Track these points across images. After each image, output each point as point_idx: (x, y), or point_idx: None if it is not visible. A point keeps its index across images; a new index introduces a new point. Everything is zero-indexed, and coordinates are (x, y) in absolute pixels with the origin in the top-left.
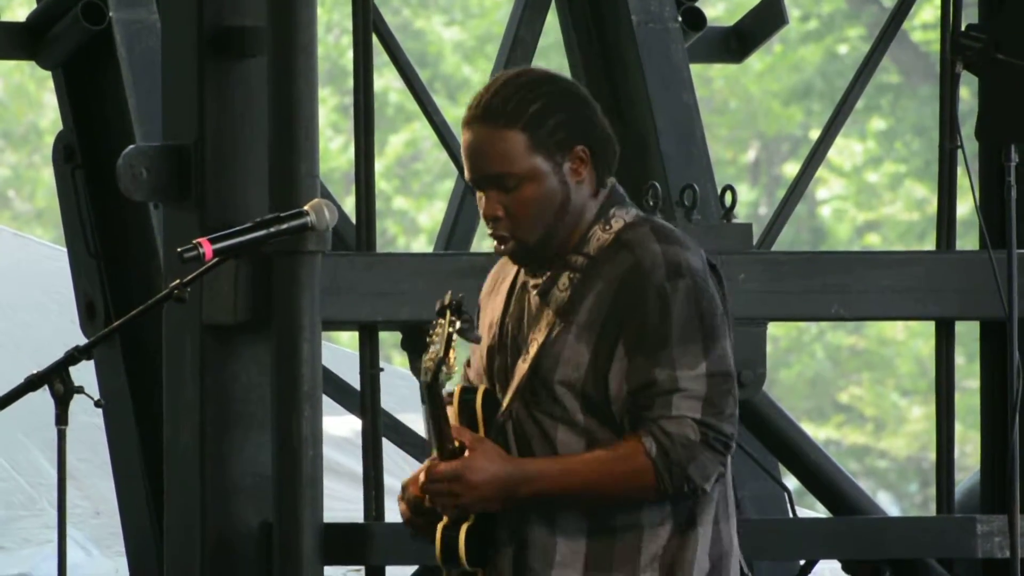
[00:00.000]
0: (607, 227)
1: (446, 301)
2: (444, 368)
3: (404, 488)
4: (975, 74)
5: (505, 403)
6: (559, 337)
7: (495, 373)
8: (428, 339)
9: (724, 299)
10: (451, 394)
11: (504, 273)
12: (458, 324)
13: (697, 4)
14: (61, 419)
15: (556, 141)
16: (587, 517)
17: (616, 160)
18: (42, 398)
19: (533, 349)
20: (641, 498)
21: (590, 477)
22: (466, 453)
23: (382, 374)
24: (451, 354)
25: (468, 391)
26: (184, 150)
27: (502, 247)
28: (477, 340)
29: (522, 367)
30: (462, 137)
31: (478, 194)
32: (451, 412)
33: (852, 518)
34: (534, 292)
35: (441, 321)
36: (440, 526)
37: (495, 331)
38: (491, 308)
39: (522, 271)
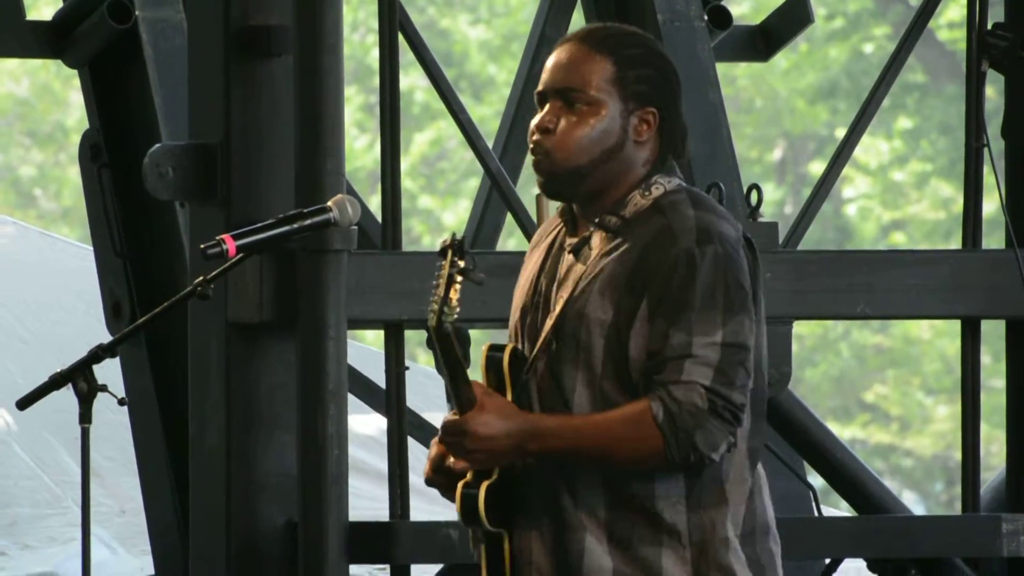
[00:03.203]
0: (646, 193)
1: (448, 241)
2: (446, 309)
3: (431, 447)
4: (1001, 73)
5: (529, 360)
6: (583, 293)
7: (526, 330)
8: (433, 284)
9: (756, 274)
10: (457, 333)
11: (545, 234)
12: (460, 264)
13: (723, 3)
14: (85, 417)
15: (635, 91)
16: (604, 489)
17: (683, 151)
18: (67, 396)
19: (559, 306)
20: (650, 464)
21: (599, 438)
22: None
23: (407, 372)
24: (452, 294)
25: (496, 348)
26: (210, 149)
27: (538, 161)
28: (479, 281)
29: (548, 323)
30: (552, 55)
31: (538, 110)
32: (479, 371)
33: (877, 517)
34: (568, 251)
35: (443, 262)
36: (460, 484)
37: (529, 289)
38: (529, 267)
39: (562, 232)
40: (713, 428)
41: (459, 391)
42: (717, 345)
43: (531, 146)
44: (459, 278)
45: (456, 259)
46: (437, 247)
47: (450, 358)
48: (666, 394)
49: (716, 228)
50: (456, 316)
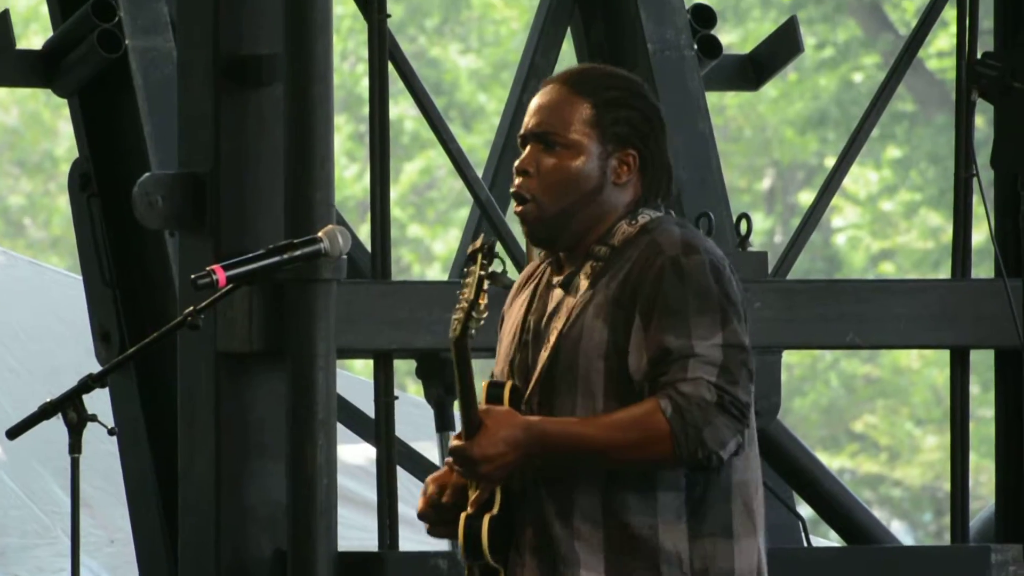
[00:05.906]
0: (633, 222)
1: (477, 245)
2: (475, 313)
3: (427, 484)
4: (990, 102)
5: (527, 394)
6: (577, 319)
7: (515, 370)
8: (459, 291)
9: (743, 297)
10: (474, 349)
11: (526, 279)
12: (489, 268)
13: (712, 32)
14: (75, 447)
15: (615, 133)
16: (603, 514)
17: (668, 192)
18: (56, 426)
19: (553, 337)
20: (658, 462)
21: (607, 438)
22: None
23: (397, 402)
24: (482, 299)
25: (496, 385)
26: (199, 178)
27: (520, 207)
28: (509, 285)
29: (543, 356)
30: (535, 97)
31: (521, 152)
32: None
33: (866, 547)
34: (557, 287)
35: (472, 267)
36: (463, 516)
37: (517, 330)
38: (514, 311)
39: (547, 273)
40: (721, 424)
41: (467, 411)
42: (719, 346)
43: (512, 191)
44: (488, 282)
45: (486, 262)
46: (468, 250)
47: (464, 372)
48: (674, 391)
49: (702, 243)
50: (482, 323)
